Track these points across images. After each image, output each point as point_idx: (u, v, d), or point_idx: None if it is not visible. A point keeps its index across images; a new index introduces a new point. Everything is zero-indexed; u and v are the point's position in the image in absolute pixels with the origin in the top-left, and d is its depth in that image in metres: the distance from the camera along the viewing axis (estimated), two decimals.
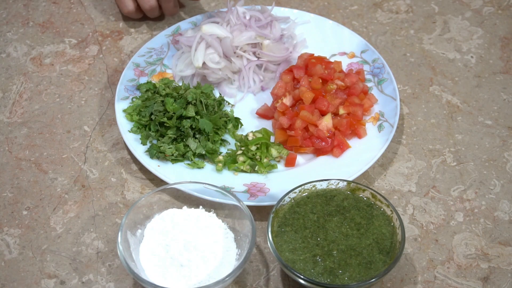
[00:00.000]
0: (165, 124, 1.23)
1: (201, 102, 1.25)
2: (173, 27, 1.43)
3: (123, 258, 1.02)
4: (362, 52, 1.39)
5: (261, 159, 1.22)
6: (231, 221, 1.10)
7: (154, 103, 1.24)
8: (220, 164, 1.22)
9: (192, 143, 1.22)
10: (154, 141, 1.23)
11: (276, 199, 1.10)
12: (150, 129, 1.24)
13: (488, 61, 1.43)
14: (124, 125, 1.25)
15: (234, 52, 1.33)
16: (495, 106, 1.34)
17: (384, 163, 1.25)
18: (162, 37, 1.41)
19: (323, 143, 1.22)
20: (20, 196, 1.20)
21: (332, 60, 1.38)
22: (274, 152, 1.23)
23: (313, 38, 1.42)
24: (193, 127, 1.22)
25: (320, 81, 1.29)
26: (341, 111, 1.26)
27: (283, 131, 1.25)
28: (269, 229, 1.04)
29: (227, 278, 1.01)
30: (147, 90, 1.30)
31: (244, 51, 1.35)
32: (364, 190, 1.10)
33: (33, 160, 1.25)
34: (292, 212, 1.08)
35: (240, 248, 1.07)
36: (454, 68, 1.41)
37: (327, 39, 1.42)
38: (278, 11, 1.45)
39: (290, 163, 1.23)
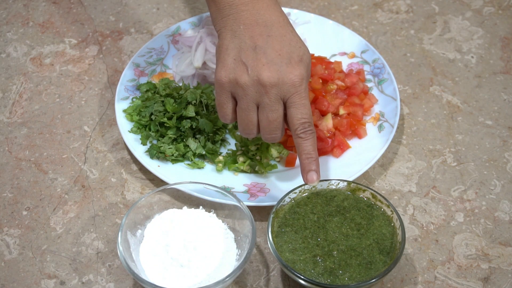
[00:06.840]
0: (165, 124, 1.23)
1: (201, 102, 1.25)
2: (173, 27, 1.43)
3: (123, 258, 1.02)
4: (362, 52, 1.38)
5: (261, 159, 1.22)
6: (231, 222, 1.10)
7: (154, 103, 1.24)
8: (220, 164, 1.22)
9: (192, 143, 1.22)
10: (154, 141, 1.23)
11: (276, 199, 1.10)
12: (150, 129, 1.24)
13: (489, 61, 1.43)
14: (124, 125, 1.25)
15: None
16: (496, 106, 1.34)
17: (384, 163, 1.25)
18: (162, 37, 1.41)
19: (323, 143, 1.22)
20: (20, 196, 1.20)
21: (332, 60, 1.38)
22: (274, 152, 1.22)
23: (313, 38, 1.41)
24: (193, 127, 1.22)
25: (320, 81, 1.29)
26: (341, 111, 1.26)
27: None
28: (269, 230, 1.04)
29: (227, 279, 1.01)
30: (147, 90, 1.30)
31: None
32: (364, 191, 1.09)
33: (33, 160, 1.25)
34: (292, 212, 1.08)
35: (240, 249, 1.07)
36: (454, 68, 1.41)
37: (327, 39, 1.41)
38: None
39: (290, 163, 1.23)
